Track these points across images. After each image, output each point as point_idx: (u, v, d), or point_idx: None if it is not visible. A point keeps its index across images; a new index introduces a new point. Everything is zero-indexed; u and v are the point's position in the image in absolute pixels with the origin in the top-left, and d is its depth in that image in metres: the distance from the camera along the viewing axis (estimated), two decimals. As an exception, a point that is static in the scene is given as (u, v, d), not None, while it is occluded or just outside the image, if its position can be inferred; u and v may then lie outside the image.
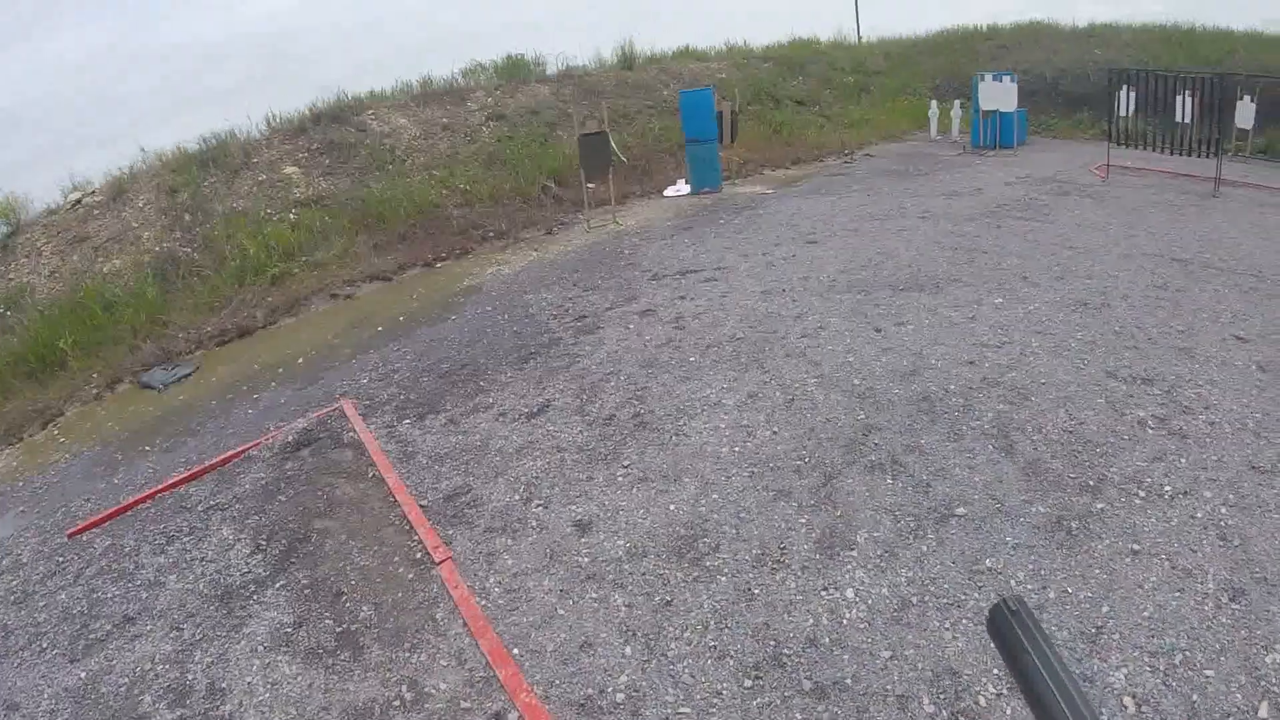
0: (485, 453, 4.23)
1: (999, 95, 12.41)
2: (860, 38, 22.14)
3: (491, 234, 10.03)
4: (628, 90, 15.01)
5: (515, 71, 13.62)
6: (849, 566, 2.98)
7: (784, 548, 3.12)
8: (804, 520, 3.28)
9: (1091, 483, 3.34)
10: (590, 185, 12.74)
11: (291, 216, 9.03)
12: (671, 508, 3.49)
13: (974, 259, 6.54)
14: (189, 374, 6.26)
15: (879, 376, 4.47)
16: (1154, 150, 9.95)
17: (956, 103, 15.09)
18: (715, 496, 3.53)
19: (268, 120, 10.80)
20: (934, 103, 15.28)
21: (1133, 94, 9.61)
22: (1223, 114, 9.26)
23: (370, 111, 11.22)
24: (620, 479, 3.77)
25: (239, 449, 4.72)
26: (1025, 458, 3.56)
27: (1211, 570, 2.78)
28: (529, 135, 12.48)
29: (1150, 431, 3.72)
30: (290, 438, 4.71)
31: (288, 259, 8.31)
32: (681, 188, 11.71)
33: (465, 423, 4.63)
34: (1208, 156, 9.27)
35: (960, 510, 3.23)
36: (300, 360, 6.17)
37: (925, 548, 3.03)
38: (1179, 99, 9.19)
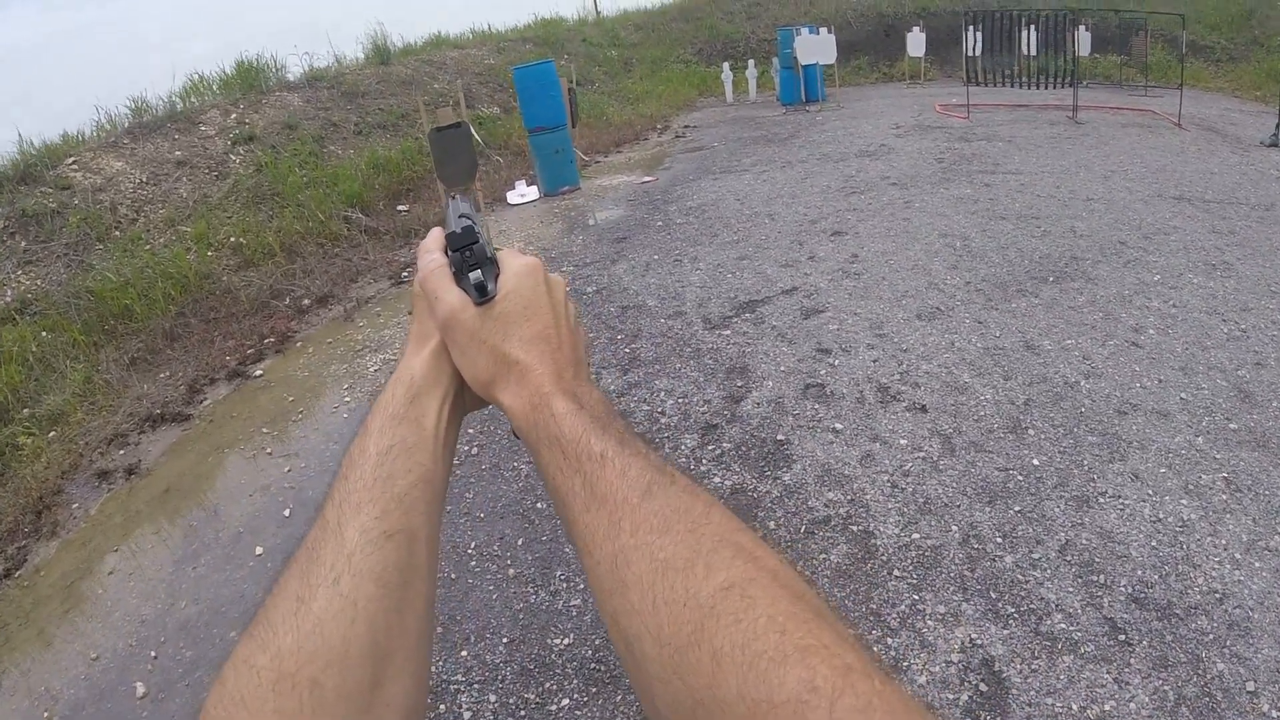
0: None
1: (819, 48, 11.82)
2: (598, 12, 20.90)
3: (307, 301, 6.78)
4: (394, 87, 11.92)
5: (251, 80, 9.95)
6: None
7: None
8: None
9: None
10: (402, 208, 9.74)
11: (-10, 347, 5.01)
12: None
13: (1044, 228, 5.44)
14: None
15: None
16: (1005, 86, 9.97)
17: (750, 63, 14.44)
18: None
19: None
20: (726, 65, 14.44)
21: (979, 34, 9.55)
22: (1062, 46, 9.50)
23: (71, 160, 7.02)
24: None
25: None
26: None
27: None
28: (294, 156, 9.02)
29: None
30: None
31: (2, 421, 4.48)
32: (528, 191, 9.26)
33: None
34: (1061, 87, 9.42)
35: None
36: (142, 690, 2.85)
37: None
38: (1024, 35, 9.28)
